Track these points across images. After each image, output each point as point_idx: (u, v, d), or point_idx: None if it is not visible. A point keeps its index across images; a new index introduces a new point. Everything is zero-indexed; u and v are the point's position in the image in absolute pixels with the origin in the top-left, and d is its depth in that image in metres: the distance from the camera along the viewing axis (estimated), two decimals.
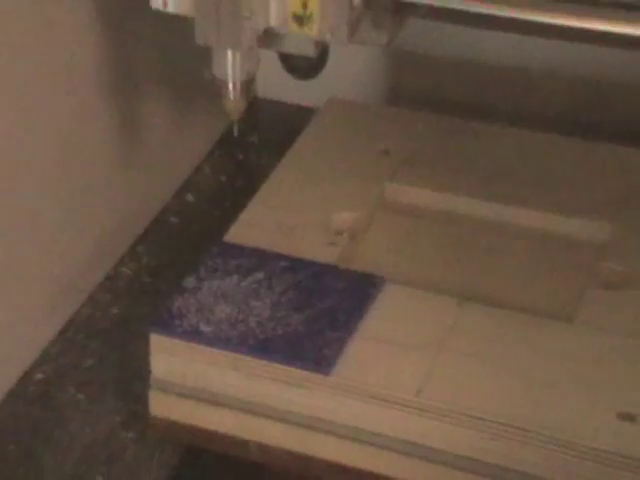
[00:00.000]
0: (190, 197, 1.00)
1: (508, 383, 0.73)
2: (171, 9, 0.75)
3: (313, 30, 0.74)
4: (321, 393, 0.73)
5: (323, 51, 0.84)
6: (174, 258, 0.91)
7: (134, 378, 0.80)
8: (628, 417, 0.69)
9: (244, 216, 0.87)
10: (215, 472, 0.82)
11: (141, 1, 0.76)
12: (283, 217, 0.85)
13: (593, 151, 0.93)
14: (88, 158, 0.90)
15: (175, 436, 0.79)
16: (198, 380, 0.76)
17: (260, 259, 0.81)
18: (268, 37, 0.77)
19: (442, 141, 0.93)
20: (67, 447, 0.79)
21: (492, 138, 0.94)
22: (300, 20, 0.74)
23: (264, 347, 0.75)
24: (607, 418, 0.69)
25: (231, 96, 0.77)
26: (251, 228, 0.84)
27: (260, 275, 0.78)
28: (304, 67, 0.88)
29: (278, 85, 1.02)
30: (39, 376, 0.84)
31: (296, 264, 0.80)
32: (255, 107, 1.08)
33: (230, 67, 0.77)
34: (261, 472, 0.81)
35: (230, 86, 0.77)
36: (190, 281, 0.79)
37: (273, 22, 0.74)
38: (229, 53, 0.76)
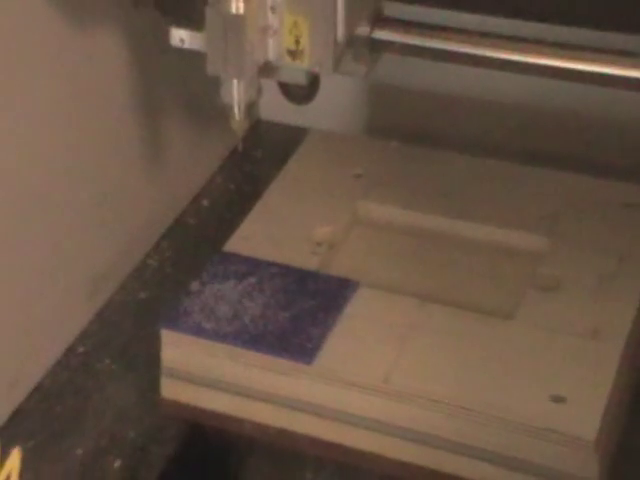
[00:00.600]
0: (205, 202, 1.05)
1: (459, 371, 0.78)
2: (187, 46, 0.82)
3: (304, 62, 0.80)
4: (304, 380, 0.79)
5: (314, 81, 0.88)
6: (192, 252, 0.98)
7: (159, 352, 0.83)
8: (559, 399, 0.75)
9: (240, 230, 0.92)
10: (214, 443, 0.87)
11: (164, 39, 0.82)
12: (273, 231, 0.92)
13: (530, 174, 0.98)
14: (121, 169, 0.97)
15: (182, 415, 0.84)
16: (201, 368, 0.82)
17: (253, 266, 0.86)
18: (267, 68, 0.82)
19: (406, 166, 0.98)
20: (104, 408, 0.85)
21: (447, 163, 0.99)
22: (293, 54, 0.80)
23: (256, 341, 0.80)
24: (541, 400, 0.75)
25: (236, 117, 0.82)
26: (246, 240, 0.90)
27: (253, 280, 0.85)
28: (299, 94, 0.92)
29: (278, 109, 1.05)
30: (81, 349, 0.90)
31: (283, 270, 0.86)
32: (258, 128, 1.14)
33: (235, 93, 0.82)
34: (253, 445, 0.86)
35: (235, 109, 0.82)
36: (195, 285, 0.85)
37: (271, 56, 0.80)
38: (234, 82, 0.81)
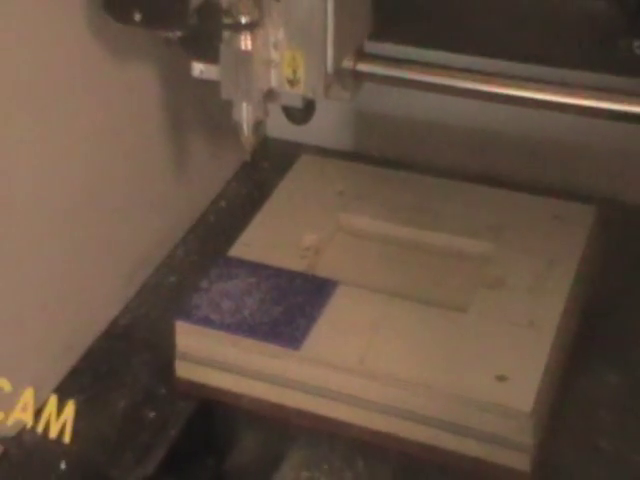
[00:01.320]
0: (223, 203, 1.12)
1: (421, 355, 0.84)
2: (205, 76, 0.89)
3: (300, 90, 0.88)
4: (293, 362, 0.85)
5: (310, 106, 0.96)
6: (212, 244, 1.04)
7: None
8: (502, 378, 0.81)
9: (241, 239, 0.98)
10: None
11: (187, 70, 0.89)
12: (268, 239, 0.98)
13: (481, 192, 1.02)
14: (156, 177, 1.04)
15: (193, 391, 0.89)
16: (208, 353, 0.88)
17: (252, 268, 0.92)
18: (270, 94, 0.89)
19: (380, 185, 1.04)
20: (141, 370, 0.91)
21: (414, 182, 1.03)
22: (291, 83, 0.87)
23: (254, 330, 0.86)
24: (488, 379, 0.81)
25: (245, 134, 0.90)
26: (246, 247, 0.96)
27: (252, 280, 0.91)
28: (298, 116, 0.98)
29: (281, 128, 1.11)
30: (122, 322, 0.97)
31: (277, 272, 0.92)
32: (266, 143, 1.19)
33: (244, 114, 0.89)
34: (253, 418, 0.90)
35: (244, 127, 0.90)
36: (204, 283, 0.91)
37: (273, 84, 0.88)
38: (244, 105, 0.89)
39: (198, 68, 0.89)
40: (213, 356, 0.89)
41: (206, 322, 0.88)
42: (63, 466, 0.82)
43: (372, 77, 0.93)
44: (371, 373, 0.83)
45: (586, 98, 0.87)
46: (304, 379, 0.86)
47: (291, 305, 0.89)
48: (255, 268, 0.93)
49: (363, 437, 0.85)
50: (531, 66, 0.92)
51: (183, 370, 0.90)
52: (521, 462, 0.80)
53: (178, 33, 0.88)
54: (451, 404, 0.82)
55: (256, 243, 0.98)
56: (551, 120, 0.95)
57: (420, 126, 1.15)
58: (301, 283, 0.92)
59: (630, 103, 0.86)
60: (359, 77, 0.92)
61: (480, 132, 1.13)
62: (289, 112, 0.98)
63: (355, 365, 0.84)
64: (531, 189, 1.05)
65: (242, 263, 0.94)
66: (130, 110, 0.99)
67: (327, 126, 1.15)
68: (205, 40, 0.88)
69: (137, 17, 0.86)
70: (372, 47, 0.93)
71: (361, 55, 0.92)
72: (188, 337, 0.89)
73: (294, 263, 0.95)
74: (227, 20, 0.85)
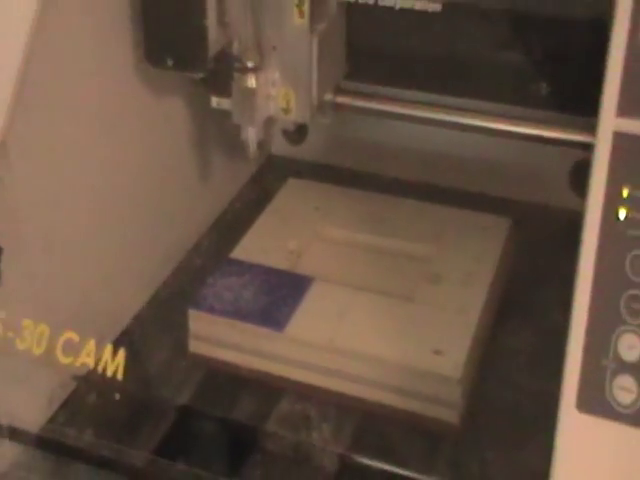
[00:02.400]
0: (237, 205, 1.18)
1: (377, 335, 0.89)
2: (222, 106, 0.96)
3: (292, 117, 0.96)
4: (278, 341, 0.90)
5: (303, 131, 1.06)
6: (229, 237, 1.06)
7: None
8: (439, 352, 0.87)
9: (240, 244, 1.02)
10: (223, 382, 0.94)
11: (207, 102, 0.97)
12: (261, 245, 1.02)
13: (427, 208, 1.08)
14: (184, 182, 1.09)
15: (203, 364, 0.94)
16: (213, 334, 0.93)
17: (248, 268, 0.97)
18: (269, 120, 0.97)
19: (347, 202, 1.09)
20: (174, 334, 0.96)
21: (373, 200, 1.09)
22: (285, 111, 0.95)
23: (248, 316, 0.91)
24: (428, 353, 0.87)
25: (251, 150, 0.98)
26: (244, 251, 1.01)
27: (248, 277, 0.96)
28: (293, 138, 1.07)
29: (282, 147, 1.19)
30: (160, 296, 1.04)
31: (267, 270, 0.97)
32: (271, 159, 1.26)
33: (250, 135, 0.97)
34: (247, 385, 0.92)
35: (250, 145, 0.97)
36: (210, 279, 0.95)
37: (272, 112, 0.96)
38: (249, 128, 0.96)
39: (216, 100, 0.97)
40: (217, 337, 0.93)
41: (212, 310, 0.92)
42: (117, 396, 0.89)
43: (347, 108, 1.00)
44: (338, 349, 0.88)
45: (510, 125, 0.95)
46: (287, 354, 0.90)
47: (277, 297, 0.93)
48: (250, 267, 0.97)
49: (332, 399, 0.89)
50: (470, 100, 0.97)
51: (194, 346, 0.94)
52: (452, 416, 0.85)
53: (200, 74, 0.94)
54: (400, 372, 0.86)
55: (251, 248, 1.01)
56: (484, 140, 1.01)
57: (384, 146, 1.19)
58: (285, 279, 0.96)
59: (541, 129, 0.93)
60: (337, 108, 0.99)
61: (429, 152, 1.18)
62: (287, 135, 1.07)
63: (326, 343, 0.88)
64: (467, 196, 1.13)
65: (241, 263, 0.98)
66: (166, 131, 1.04)
67: (316, 146, 1.19)
68: (221, 79, 0.95)
69: (170, 63, 0.92)
70: (346, 85, 1.01)
71: (338, 90, 0.99)
72: (198, 322, 0.93)
73: (280, 263, 0.99)
74: (237, 65, 0.93)
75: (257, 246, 1.02)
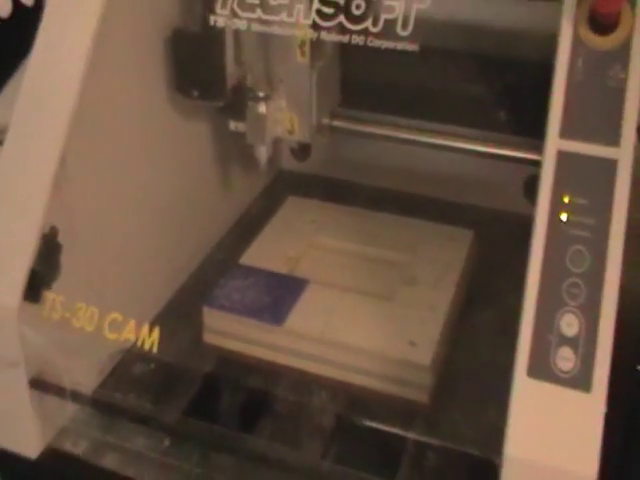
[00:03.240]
0: (253, 210, 1.23)
1: (361, 329, 0.92)
2: (238, 129, 1.02)
3: (295, 137, 1.01)
4: (278, 334, 0.93)
5: (306, 149, 1.11)
6: (245, 237, 1.11)
7: None
8: (413, 344, 0.90)
9: (247, 252, 1.05)
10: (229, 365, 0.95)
11: (227, 125, 1.02)
12: (265, 252, 1.06)
13: (405, 222, 1.11)
14: (209, 190, 1.14)
15: (215, 352, 0.96)
16: (223, 328, 0.96)
17: (254, 272, 1.00)
18: (277, 139, 1.03)
19: (339, 216, 1.13)
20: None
21: (360, 214, 1.13)
22: (290, 132, 1.01)
23: (253, 312, 0.94)
24: (404, 344, 0.90)
25: (262, 164, 1.04)
26: (250, 257, 1.04)
27: (253, 279, 0.99)
28: (299, 155, 1.14)
29: (291, 162, 1.25)
30: (189, 284, 1.08)
31: (269, 274, 1.00)
32: (281, 173, 1.32)
33: (261, 152, 1.03)
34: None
35: (261, 160, 1.04)
36: (222, 281, 0.98)
37: (279, 134, 1.02)
38: (261, 147, 1.02)
39: (233, 124, 1.02)
40: (227, 330, 0.95)
41: (222, 308, 0.95)
42: (152, 365, 0.95)
43: (341, 130, 1.05)
44: (328, 341, 0.91)
45: (474, 145, 1.00)
46: (286, 345, 0.92)
47: (277, 296, 0.96)
48: (255, 272, 1.00)
49: (324, 382, 0.91)
50: (442, 125, 1.03)
51: (208, 338, 0.97)
52: (423, 397, 0.89)
53: (220, 103, 0.99)
54: (380, 361, 0.89)
55: (257, 255, 1.04)
56: (455, 158, 1.05)
57: (373, 162, 1.24)
58: (284, 282, 0.99)
59: (500, 149, 0.99)
60: (333, 130, 1.05)
61: (409, 166, 1.22)
62: (294, 153, 1.14)
63: (319, 336, 0.91)
64: (442, 203, 1.19)
65: (248, 268, 1.01)
66: (194, 149, 1.08)
67: (318, 163, 1.25)
68: (237, 107, 1.00)
69: (195, 94, 0.98)
70: (340, 111, 1.06)
71: (334, 115, 1.04)
72: (211, 318, 0.96)
73: (281, 268, 1.01)
74: (250, 95, 0.99)
75: (261, 253, 1.05)
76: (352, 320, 0.93)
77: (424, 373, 0.88)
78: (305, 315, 0.94)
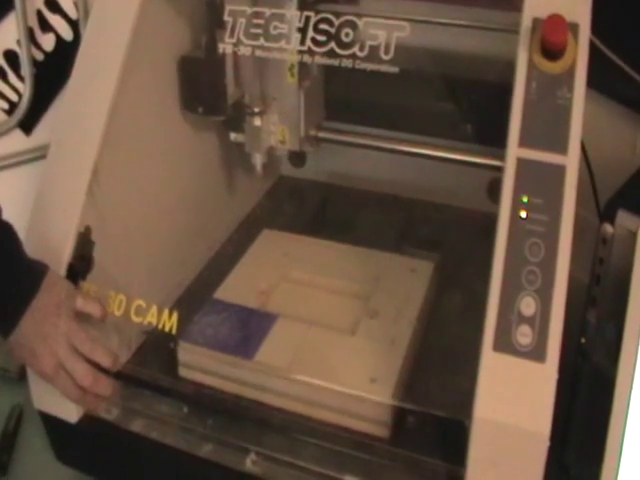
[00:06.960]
0: (258, 211, 1.35)
1: (325, 363, 0.97)
2: (237, 140, 1.16)
3: (287, 146, 1.14)
4: (248, 368, 0.97)
5: (302, 157, 1.25)
6: (249, 236, 1.23)
7: None
8: (373, 380, 0.94)
9: (221, 287, 1.10)
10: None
11: (228, 136, 1.15)
12: (237, 287, 1.11)
13: (367, 253, 1.17)
14: (218, 193, 1.27)
15: (190, 384, 1.01)
16: (196, 362, 1.00)
17: (226, 307, 1.06)
18: (271, 148, 1.15)
19: (309, 249, 1.19)
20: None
21: (327, 247, 1.19)
22: (282, 142, 1.14)
23: (224, 347, 0.99)
24: (365, 380, 0.94)
25: (258, 170, 1.16)
26: (224, 292, 1.10)
27: (225, 314, 1.04)
28: (295, 162, 1.28)
29: (289, 169, 1.38)
30: (205, 273, 1.19)
31: (241, 309, 1.05)
32: (281, 178, 1.45)
33: (258, 160, 1.16)
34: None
35: (258, 167, 1.16)
36: (196, 317, 1.04)
37: (272, 143, 1.14)
38: (257, 154, 1.15)
39: (233, 136, 1.16)
40: (200, 364, 1.01)
41: (197, 342, 1.00)
42: (172, 345, 1.01)
43: (327, 140, 1.17)
44: (294, 375, 0.96)
45: (445, 153, 1.10)
46: (255, 379, 0.98)
47: (249, 331, 1.01)
48: (228, 306, 1.05)
49: (289, 417, 0.96)
50: (416, 136, 1.13)
51: (183, 371, 1.02)
52: (384, 433, 0.93)
53: (222, 118, 1.13)
54: (343, 397, 0.94)
55: (230, 290, 1.10)
56: (429, 164, 1.13)
57: (358, 168, 1.38)
58: (255, 317, 1.04)
59: (466, 156, 1.08)
60: (319, 140, 1.16)
61: (390, 171, 1.33)
62: (291, 160, 1.27)
63: (285, 368, 0.95)
64: (420, 203, 1.32)
65: (221, 303, 1.07)
66: (203, 158, 1.21)
67: (312, 169, 1.38)
68: (236, 121, 1.14)
69: (200, 110, 1.12)
70: (325, 124, 1.18)
71: (320, 128, 1.16)
72: (185, 352, 1.01)
73: (252, 302, 1.07)
74: (248, 110, 1.11)
75: (235, 287, 1.11)
76: (317, 355, 0.98)
77: (383, 410, 0.93)
78: (273, 349, 0.99)
